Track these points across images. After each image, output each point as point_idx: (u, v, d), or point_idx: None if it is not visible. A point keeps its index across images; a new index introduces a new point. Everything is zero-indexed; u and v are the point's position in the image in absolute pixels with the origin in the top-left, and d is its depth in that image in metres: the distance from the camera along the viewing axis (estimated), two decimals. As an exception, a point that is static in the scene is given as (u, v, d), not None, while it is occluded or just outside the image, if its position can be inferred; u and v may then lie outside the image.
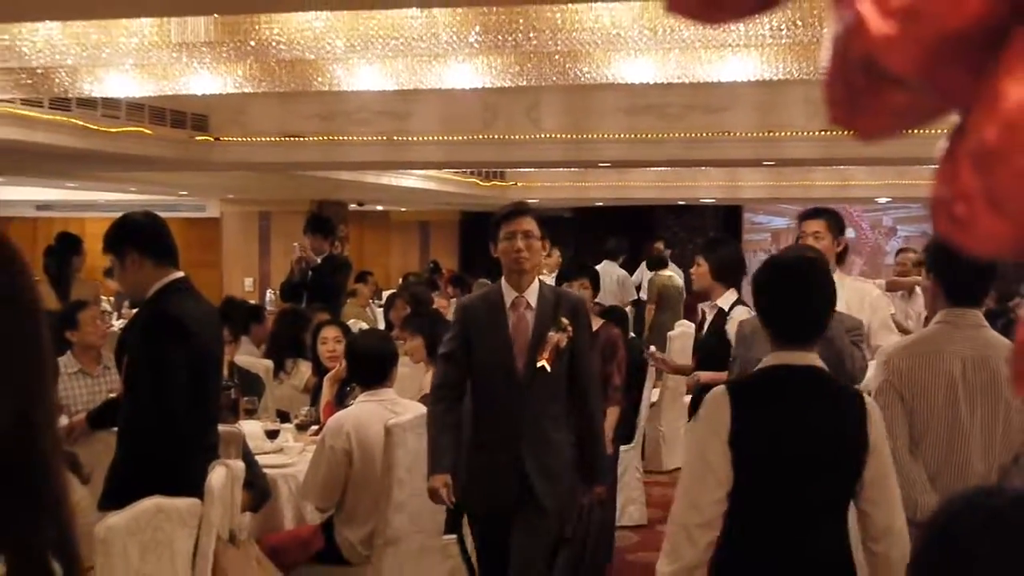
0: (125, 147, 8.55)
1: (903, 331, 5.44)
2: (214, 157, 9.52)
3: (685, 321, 9.19)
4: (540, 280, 4.18)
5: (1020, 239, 0.54)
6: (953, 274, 3.27)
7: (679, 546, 2.60)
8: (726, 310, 5.19)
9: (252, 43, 5.30)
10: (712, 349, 4.99)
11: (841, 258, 4.83)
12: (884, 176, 13.43)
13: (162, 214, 4.09)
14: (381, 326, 9.14)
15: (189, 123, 9.24)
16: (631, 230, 15.53)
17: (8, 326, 1.11)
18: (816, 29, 4.83)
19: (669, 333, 8.70)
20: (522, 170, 13.77)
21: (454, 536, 4.46)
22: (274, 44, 5.34)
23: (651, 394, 7.35)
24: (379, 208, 18.76)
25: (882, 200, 16.14)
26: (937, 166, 0.57)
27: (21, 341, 1.11)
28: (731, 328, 4.71)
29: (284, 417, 5.83)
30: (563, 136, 9.16)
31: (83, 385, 5.53)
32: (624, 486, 6.65)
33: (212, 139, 9.45)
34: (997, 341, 3.28)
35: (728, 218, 19.14)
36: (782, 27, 4.89)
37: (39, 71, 6.26)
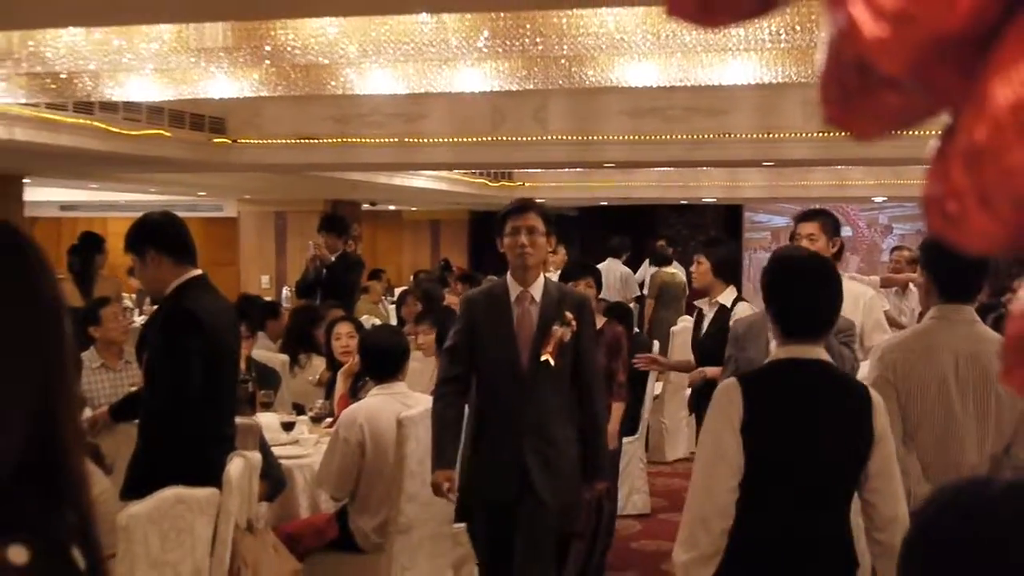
0: (145, 149, 8.59)
1: (897, 327, 5.42)
2: (231, 158, 9.56)
3: (688, 317, 9.19)
4: (545, 276, 4.16)
5: (1010, 235, 0.54)
6: (946, 271, 3.31)
7: (695, 534, 2.63)
8: (728, 306, 5.29)
9: (268, 48, 5.30)
10: (716, 344, 5.00)
11: (836, 258, 4.89)
12: (880, 176, 13.44)
13: (181, 214, 4.12)
14: (393, 322, 9.13)
15: (207, 126, 9.28)
16: (634, 228, 15.63)
17: (30, 326, 1.13)
18: (813, 34, 4.82)
19: (672, 328, 8.70)
20: (529, 171, 13.79)
21: (464, 524, 4.42)
22: (289, 49, 5.34)
23: (654, 387, 7.42)
24: (391, 208, 18.77)
25: (878, 199, 16.12)
26: (929, 165, 0.58)
27: (43, 340, 1.14)
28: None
29: (300, 410, 5.88)
30: (569, 138, 9.16)
31: (106, 379, 5.60)
32: (628, 476, 6.71)
33: (229, 141, 9.48)
34: (989, 336, 3.31)
35: (729, 217, 19.12)
36: (781, 32, 4.89)
37: (63, 76, 6.29)
